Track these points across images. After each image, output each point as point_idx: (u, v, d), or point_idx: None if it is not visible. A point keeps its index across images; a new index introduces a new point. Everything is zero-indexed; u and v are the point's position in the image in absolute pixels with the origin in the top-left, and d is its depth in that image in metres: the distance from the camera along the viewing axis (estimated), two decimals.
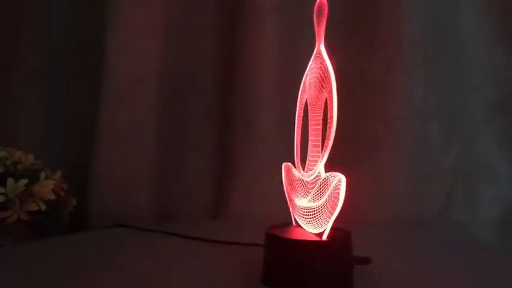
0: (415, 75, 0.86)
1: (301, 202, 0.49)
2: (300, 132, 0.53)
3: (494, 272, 0.56)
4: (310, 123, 0.51)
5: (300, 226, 0.50)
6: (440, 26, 0.86)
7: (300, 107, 0.53)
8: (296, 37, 0.86)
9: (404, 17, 0.86)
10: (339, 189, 0.44)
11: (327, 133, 0.47)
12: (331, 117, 0.46)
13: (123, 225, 0.72)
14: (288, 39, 0.87)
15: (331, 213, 0.44)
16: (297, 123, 0.53)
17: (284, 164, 0.53)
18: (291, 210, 0.52)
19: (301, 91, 0.53)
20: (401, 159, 0.86)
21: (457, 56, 0.85)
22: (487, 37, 0.83)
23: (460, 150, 0.85)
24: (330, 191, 0.45)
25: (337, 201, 0.44)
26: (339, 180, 0.44)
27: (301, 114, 0.53)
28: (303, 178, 0.50)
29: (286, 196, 0.53)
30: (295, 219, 0.51)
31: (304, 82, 0.53)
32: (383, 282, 0.50)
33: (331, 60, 0.48)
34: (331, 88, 0.47)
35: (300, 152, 0.52)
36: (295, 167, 0.52)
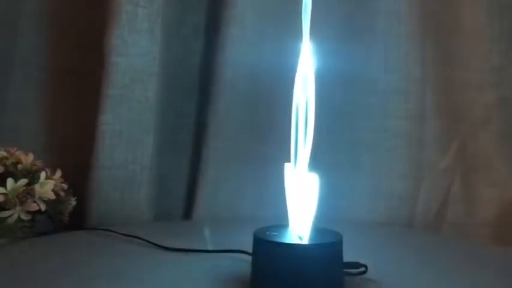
0: (413, 75, 0.87)
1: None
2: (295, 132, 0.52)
3: (492, 273, 0.56)
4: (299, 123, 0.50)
5: (292, 227, 0.50)
6: (439, 26, 0.87)
7: (294, 105, 0.52)
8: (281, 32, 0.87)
9: (403, 17, 0.87)
10: (310, 190, 0.44)
11: (306, 134, 0.47)
12: (310, 117, 0.46)
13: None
14: (273, 35, 0.88)
15: (307, 216, 0.45)
16: (293, 122, 0.52)
17: (286, 163, 0.53)
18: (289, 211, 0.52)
19: (295, 89, 0.52)
20: (399, 158, 0.86)
21: (455, 55, 0.85)
22: (486, 37, 0.84)
23: (458, 150, 0.85)
24: (303, 192, 0.45)
25: (310, 202, 0.44)
26: (311, 180, 0.45)
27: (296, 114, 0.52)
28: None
29: (287, 197, 0.52)
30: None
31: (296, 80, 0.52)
32: (377, 285, 0.50)
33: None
34: (310, 87, 0.47)
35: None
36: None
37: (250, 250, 0.49)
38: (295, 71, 0.52)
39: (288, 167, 0.52)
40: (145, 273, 0.54)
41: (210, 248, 0.62)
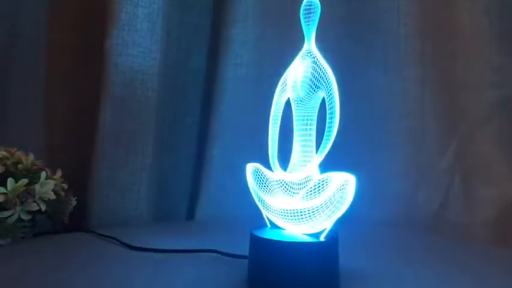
0: (413, 75, 0.87)
1: (284, 203, 0.48)
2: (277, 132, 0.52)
3: (492, 273, 0.56)
4: (297, 123, 0.50)
5: (278, 228, 0.50)
6: (439, 26, 0.86)
7: (278, 106, 0.52)
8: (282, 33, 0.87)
9: (402, 17, 0.87)
10: (344, 189, 0.44)
11: (328, 133, 0.47)
12: (333, 117, 0.46)
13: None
14: (274, 35, 0.88)
15: (334, 214, 0.45)
16: (274, 123, 0.52)
17: (248, 164, 0.53)
18: (263, 212, 0.52)
19: (281, 91, 0.52)
20: (399, 158, 0.86)
21: (455, 56, 0.85)
22: (485, 37, 0.84)
23: (457, 149, 0.85)
24: (333, 191, 0.45)
25: (344, 202, 0.44)
26: (347, 180, 0.44)
27: (280, 114, 0.52)
28: (285, 179, 0.49)
29: (255, 197, 0.52)
30: (269, 220, 0.51)
31: (284, 81, 0.52)
32: (376, 284, 0.50)
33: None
34: (331, 87, 0.47)
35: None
36: (267, 167, 0.51)
37: (247, 249, 0.50)
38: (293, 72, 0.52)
39: (249, 167, 0.52)
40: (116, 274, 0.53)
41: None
